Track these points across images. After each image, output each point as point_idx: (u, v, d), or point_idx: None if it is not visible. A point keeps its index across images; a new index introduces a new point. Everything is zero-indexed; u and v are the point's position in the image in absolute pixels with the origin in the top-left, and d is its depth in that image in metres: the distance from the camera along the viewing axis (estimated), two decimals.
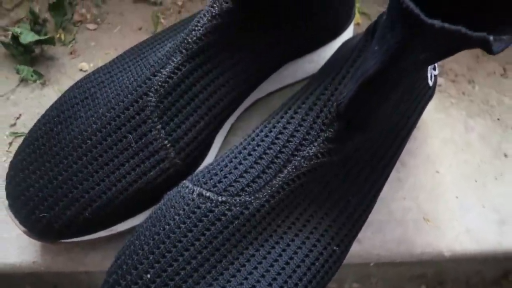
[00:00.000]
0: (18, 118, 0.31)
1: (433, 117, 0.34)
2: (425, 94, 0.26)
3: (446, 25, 0.14)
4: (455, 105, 0.35)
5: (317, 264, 0.21)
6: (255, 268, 0.20)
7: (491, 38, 0.15)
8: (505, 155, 0.33)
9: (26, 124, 0.30)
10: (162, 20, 0.36)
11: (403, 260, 0.29)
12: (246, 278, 0.20)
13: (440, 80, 0.37)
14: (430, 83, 0.27)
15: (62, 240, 0.23)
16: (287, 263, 0.20)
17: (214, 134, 0.25)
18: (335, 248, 0.22)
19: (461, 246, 0.29)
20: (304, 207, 0.21)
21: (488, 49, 0.15)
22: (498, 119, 0.35)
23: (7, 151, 0.29)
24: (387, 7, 0.16)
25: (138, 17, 0.36)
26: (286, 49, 0.27)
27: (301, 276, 0.21)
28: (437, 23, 0.13)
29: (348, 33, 0.34)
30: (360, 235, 0.28)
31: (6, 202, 0.22)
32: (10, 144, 0.29)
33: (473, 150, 0.33)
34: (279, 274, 0.20)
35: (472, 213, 0.30)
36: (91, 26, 0.35)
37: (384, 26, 0.15)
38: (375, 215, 0.29)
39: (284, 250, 0.21)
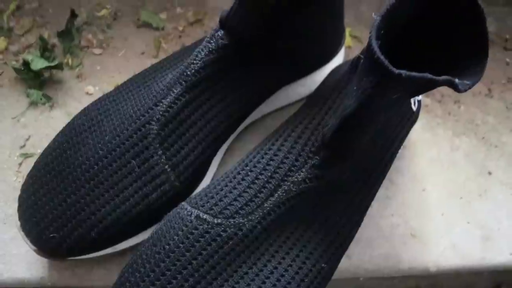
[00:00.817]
0: (27, 139, 0.32)
1: (421, 137, 0.36)
2: (409, 119, 0.28)
3: (413, 73, 0.15)
4: (441, 125, 0.37)
5: (306, 280, 0.23)
6: (248, 285, 0.22)
7: (456, 80, 0.17)
8: (489, 173, 0.35)
9: (35, 145, 0.32)
10: (164, 45, 0.38)
11: (391, 274, 0.30)
12: None
13: (427, 101, 0.38)
14: (414, 108, 0.29)
15: (69, 258, 0.24)
16: (278, 280, 0.22)
17: (211, 158, 0.27)
18: (323, 265, 0.23)
19: (447, 261, 0.31)
20: (294, 227, 0.23)
21: (455, 89, 0.17)
22: (483, 137, 0.37)
23: (17, 171, 0.31)
24: (365, 51, 0.18)
25: (141, 41, 0.39)
26: (280, 77, 0.29)
27: None
28: (404, 72, 0.15)
29: (339, 57, 0.36)
30: (349, 251, 0.29)
31: (18, 223, 0.24)
32: (20, 164, 0.31)
33: (458, 168, 0.35)
34: None
35: (457, 229, 0.32)
36: (97, 50, 0.37)
37: (361, 69, 0.17)
38: (364, 231, 0.30)
39: (275, 268, 0.22)
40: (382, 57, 0.15)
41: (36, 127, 0.33)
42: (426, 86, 0.17)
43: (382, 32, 0.17)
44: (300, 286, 0.22)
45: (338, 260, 0.25)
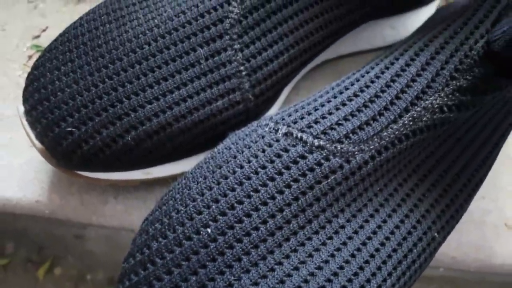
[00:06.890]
0: (44, 30, 0.25)
1: None
2: None
3: None
4: None
5: (415, 251, 0.16)
6: (344, 244, 0.15)
7: None
8: None
9: (52, 38, 0.25)
10: None
11: (480, 269, 0.24)
12: (332, 255, 0.15)
13: None
14: None
15: (82, 173, 0.17)
16: (382, 244, 0.16)
17: (292, 77, 0.20)
18: (435, 234, 0.17)
19: None
20: (409, 172, 0.17)
21: None
22: None
23: (24, 64, 0.24)
24: None
25: None
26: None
27: (397, 263, 0.16)
28: None
29: (432, 7, 0.30)
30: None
31: (22, 109, 0.17)
32: (30, 57, 0.24)
33: None
34: (372, 256, 0.15)
35: None
36: None
37: None
38: None
39: (379, 227, 0.16)
40: None
41: (57, 19, 0.26)
42: None
43: None
44: (407, 258, 0.16)
45: (448, 233, 0.18)
